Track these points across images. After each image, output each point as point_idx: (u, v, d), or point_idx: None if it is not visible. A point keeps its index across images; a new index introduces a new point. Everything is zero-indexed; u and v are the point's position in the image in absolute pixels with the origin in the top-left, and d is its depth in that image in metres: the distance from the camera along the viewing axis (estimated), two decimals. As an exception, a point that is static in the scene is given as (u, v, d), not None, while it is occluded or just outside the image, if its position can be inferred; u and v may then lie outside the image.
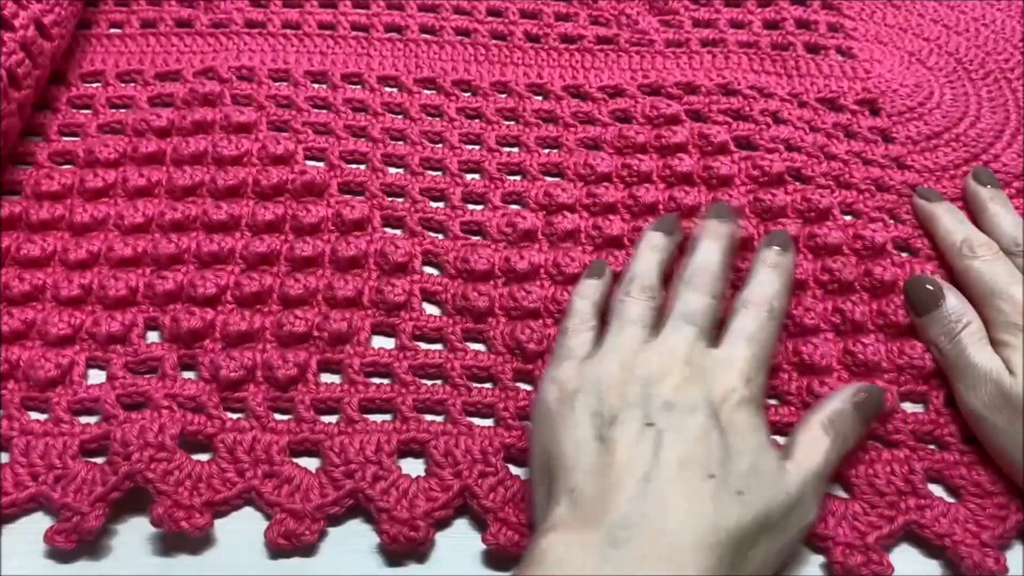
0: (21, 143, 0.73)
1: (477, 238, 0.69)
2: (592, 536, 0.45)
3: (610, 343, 0.56)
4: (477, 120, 0.77)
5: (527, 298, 0.64)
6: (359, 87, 0.79)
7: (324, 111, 0.77)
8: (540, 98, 0.79)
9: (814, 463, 0.52)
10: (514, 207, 0.71)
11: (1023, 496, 0.56)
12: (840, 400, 0.56)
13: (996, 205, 0.67)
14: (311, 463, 0.58)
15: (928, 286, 0.62)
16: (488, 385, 0.62)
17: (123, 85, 0.79)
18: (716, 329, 0.57)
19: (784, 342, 0.63)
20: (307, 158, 0.73)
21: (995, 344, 0.59)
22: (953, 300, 0.61)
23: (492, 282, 0.66)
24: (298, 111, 0.76)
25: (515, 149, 0.75)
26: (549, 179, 0.72)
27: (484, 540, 0.54)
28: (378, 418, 0.60)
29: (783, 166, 0.71)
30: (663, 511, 0.46)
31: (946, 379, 0.61)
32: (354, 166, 0.73)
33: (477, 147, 0.75)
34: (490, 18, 0.86)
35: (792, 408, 0.61)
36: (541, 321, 0.64)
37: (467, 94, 0.79)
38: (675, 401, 0.50)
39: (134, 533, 0.55)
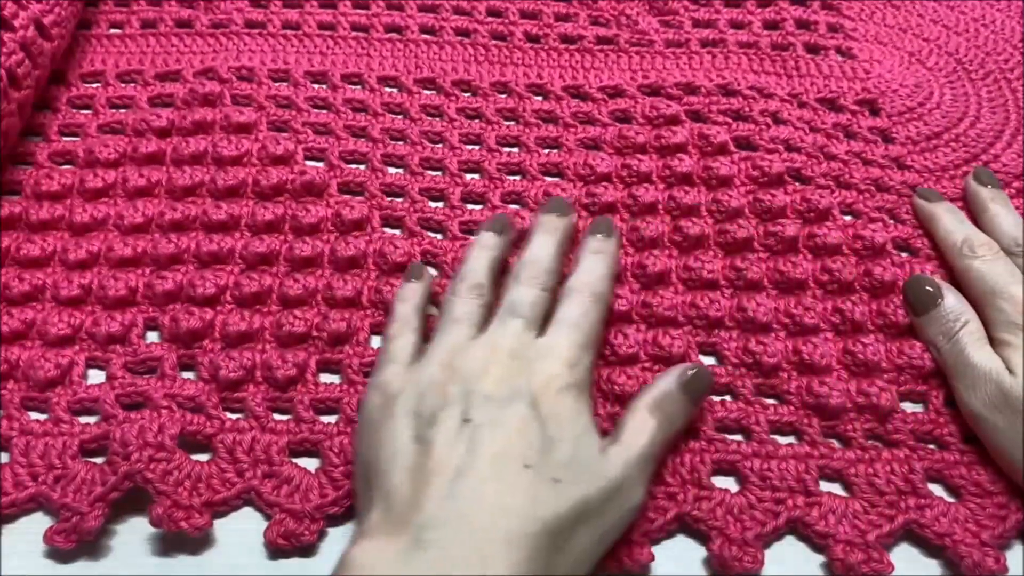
0: (21, 143, 0.73)
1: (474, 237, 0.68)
2: (399, 540, 0.45)
3: (434, 343, 0.56)
4: (477, 120, 0.77)
5: None
6: (359, 87, 0.79)
7: (324, 111, 0.77)
8: (540, 98, 0.79)
9: (639, 446, 0.53)
10: (513, 207, 0.71)
11: (1023, 496, 0.56)
12: (667, 382, 0.56)
13: (996, 205, 0.67)
14: (311, 463, 0.58)
15: (927, 286, 0.62)
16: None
17: (123, 85, 0.79)
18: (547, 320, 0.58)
19: (784, 341, 0.63)
20: (307, 158, 0.73)
21: (995, 343, 0.59)
22: (952, 299, 0.61)
23: None
24: (298, 111, 0.76)
25: (515, 149, 0.75)
26: (549, 179, 0.72)
27: None
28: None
29: (783, 166, 0.70)
30: (474, 508, 0.46)
31: (946, 379, 0.61)
32: (354, 166, 0.73)
33: (477, 147, 0.75)
34: (490, 18, 0.86)
35: (791, 408, 0.61)
36: None
37: (467, 94, 0.79)
38: (495, 395, 0.51)
39: (133, 533, 0.55)
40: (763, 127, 0.74)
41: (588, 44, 0.83)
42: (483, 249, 0.63)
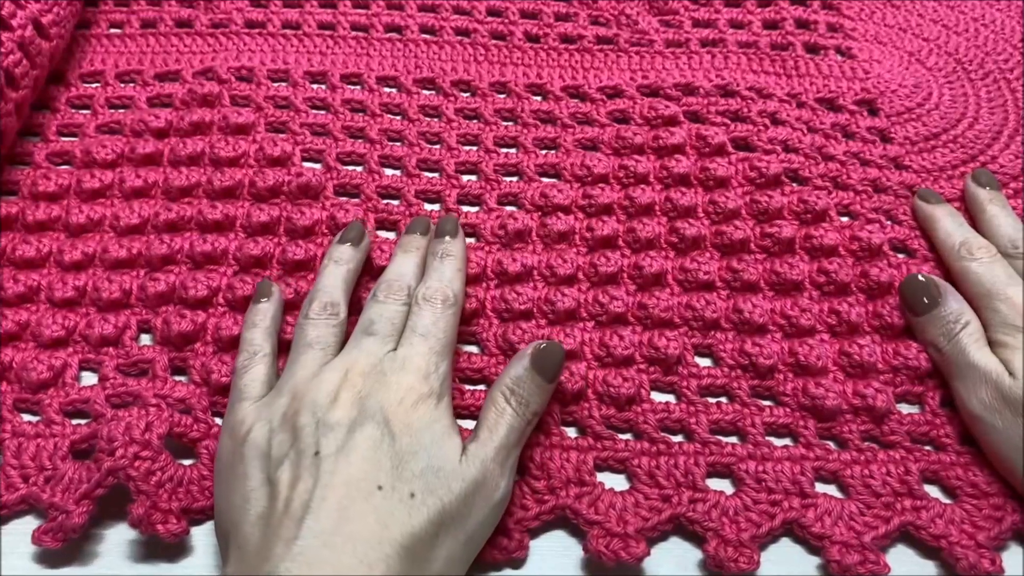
0: (20, 143, 0.73)
1: (470, 240, 0.69)
2: None
3: (286, 373, 0.56)
4: (476, 121, 0.77)
5: (518, 300, 0.64)
6: (358, 87, 0.79)
7: (322, 112, 0.77)
8: (539, 98, 0.79)
9: (498, 437, 0.53)
10: (509, 208, 0.70)
11: (1019, 497, 0.56)
12: (517, 364, 0.56)
13: (995, 207, 0.67)
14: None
15: (927, 285, 0.62)
16: (482, 387, 0.62)
17: (123, 85, 0.79)
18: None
19: (780, 343, 0.63)
20: (305, 160, 0.73)
21: (993, 345, 0.59)
22: (952, 300, 0.61)
23: (484, 284, 0.66)
24: (296, 112, 0.76)
25: (513, 150, 0.75)
26: (546, 180, 0.72)
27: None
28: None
29: (780, 167, 0.70)
30: (324, 543, 0.45)
31: (942, 380, 0.61)
32: (351, 168, 0.73)
33: (475, 148, 0.75)
34: (490, 18, 0.86)
35: (787, 410, 0.60)
36: (533, 322, 0.64)
37: (466, 94, 0.79)
38: (343, 421, 0.50)
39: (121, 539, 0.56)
40: (761, 128, 0.74)
41: (588, 44, 0.83)
42: (336, 264, 0.62)
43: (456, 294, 0.59)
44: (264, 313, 0.61)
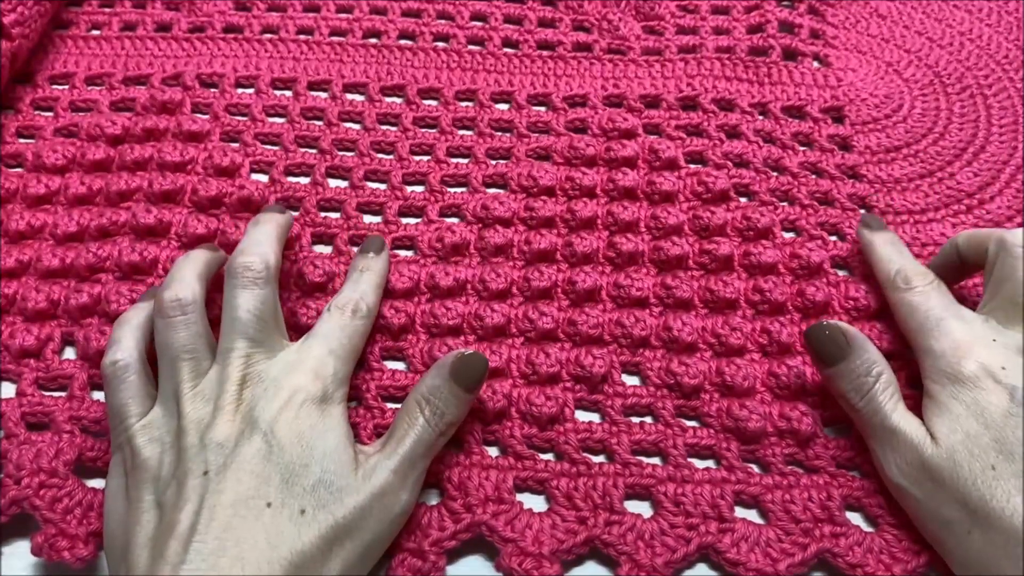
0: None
1: (407, 253, 0.68)
2: None
3: (163, 388, 0.53)
4: (432, 131, 0.76)
5: (447, 315, 0.64)
6: (323, 94, 0.79)
7: (280, 121, 0.77)
8: (505, 107, 0.78)
9: (404, 449, 0.52)
10: (451, 220, 0.70)
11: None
12: (436, 373, 0.54)
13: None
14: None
15: (833, 334, 0.57)
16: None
17: (89, 88, 0.79)
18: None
19: (708, 362, 0.62)
20: (254, 171, 0.73)
21: (924, 394, 0.56)
22: (862, 350, 0.56)
23: (415, 299, 0.65)
24: (253, 122, 0.76)
25: (465, 160, 0.74)
26: (491, 191, 0.72)
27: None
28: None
29: (728, 183, 0.70)
30: (212, 565, 0.44)
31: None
32: (297, 179, 0.73)
33: (426, 159, 0.74)
34: (472, 23, 0.86)
35: (711, 431, 0.60)
36: (462, 338, 0.63)
37: (431, 102, 0.79)
38: (228, 437, 0.49)
39: (20, 559, 0.56)
40: (716, 142, 0.74)
41: (564, 51, 0.83)
42: (189, 260, 0.58)
43: (369, 307, 0.59)
44: (136, 312, 0.57)
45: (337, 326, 0.56)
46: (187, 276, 0.56)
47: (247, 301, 0.54)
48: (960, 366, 0.53)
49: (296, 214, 0.70)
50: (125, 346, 0.55)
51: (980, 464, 0.50)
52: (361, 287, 0.60)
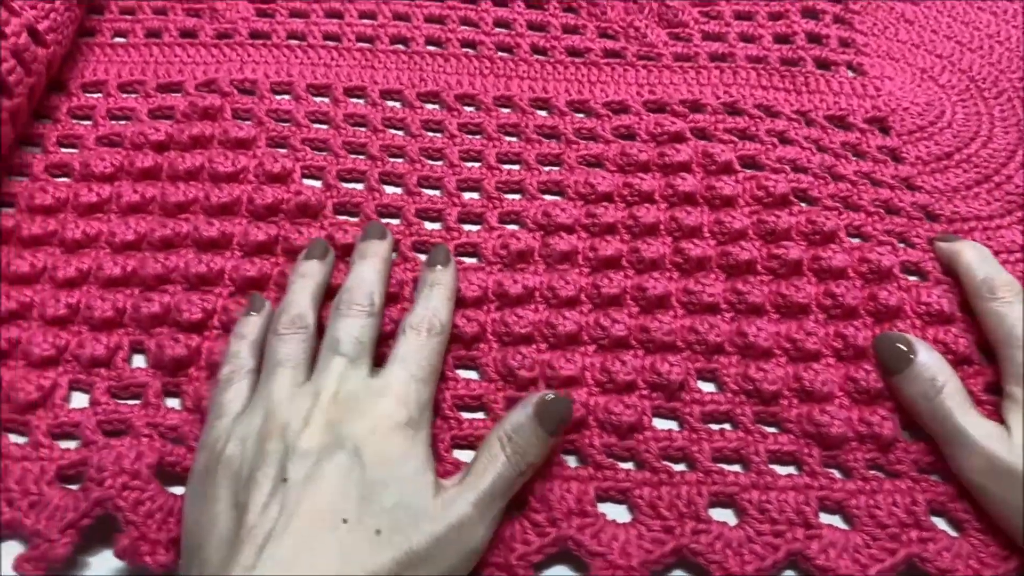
0: (19, 154, 0.72)
1: (471, 261, 0.67)
2: None
3: (259, 392, 0.54)
4: (479, 136, 0.76)
5: (519, 323, 0.63)
6: (361, 101, 0.78)
7: (324, 127, 0.76)
8: (544, 113, 0.78)
9: (485, 483, 0.51)
10: (511, 227, 0.69)
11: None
12: (520, 412, 0.54)
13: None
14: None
15: (897, 343, 0.59)
16: (480, 415, 0.61)
17: (124, 96, 0.78)
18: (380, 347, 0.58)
19: (785, 367, 0.62)
20: (305, 176, 0.72)
21: (1003, 395, 0.57)
22: (925, 357, 0.58)
23: (485, 306, 0.64)
24: (297, 127, 0.75)
25: (516, 167, 0.74)
26: (548, 198, 0.71)
27: None
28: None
29: (788, 187, 0.69)
30: (283, 573, 0.44)
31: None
32: (351, 185, 0.72)
33: (477, 164, 0.73)
34: (497, 30, 0.85)
35: (791, 437, 0.59)
36: (534, 346, 0.63)
37: (470, 108, 0.78)
38: (313, 448, 0.49)
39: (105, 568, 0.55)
40: (769, 147, 0.73)
41: (595, 57, 0.82)
42: (302, 278, 0.61)
43: (443, 323, 0.58)
44: (254, 325, 0.60)
45: (415, 348, 0.56)
46: (304, 300, 0.59)
47: (349, 326, 0.56)
48: None
49: (356, 220, 0.69)
50: (244, 356, 0.58)
51: None
52: (432, 303, 0.59)
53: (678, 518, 0.56)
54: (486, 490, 0.51)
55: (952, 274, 0.65)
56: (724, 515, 0.57)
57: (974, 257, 0.63)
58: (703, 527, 0.55)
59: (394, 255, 0.65)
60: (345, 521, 0.46)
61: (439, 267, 0.62)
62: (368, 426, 0.50)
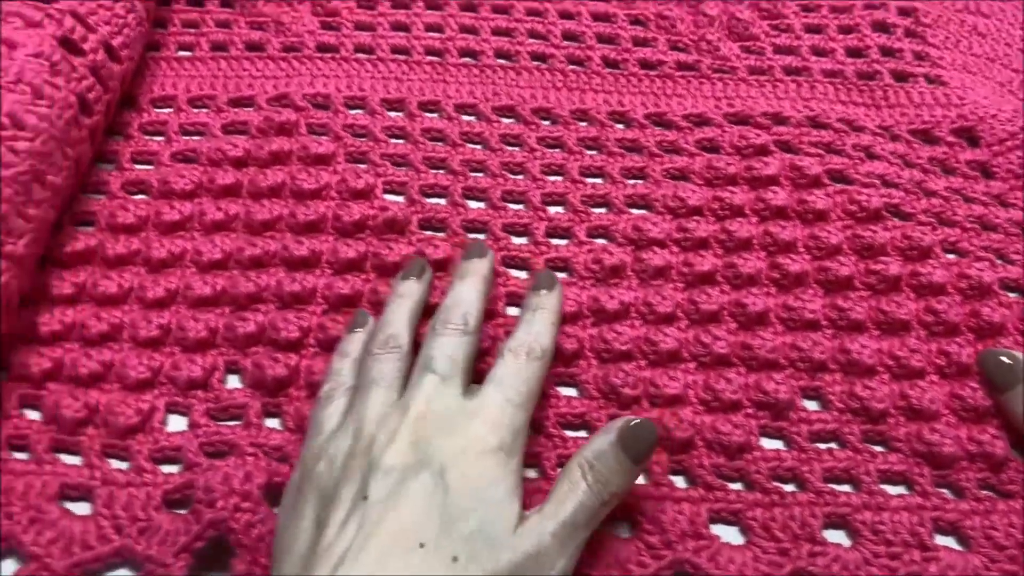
0: (93, 171, 0.71)
1: (562, 275, 0.66)
2: None
3: (351, 412, 0.53)
4: (558, 150, 0.74)
5: (618, 339, 0.62)
6: (436, 115, 0.77)
7: (402, 142, 0.74)
8: (622, 126, 0.76)
9: (565, 512, 0.49)
10: (600, 241, 0.68)
11: None
12: (602, 438, 0.52)
13: None
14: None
15: (1005, 359, 0.59)
16: (583, 433, 0.60)
17: (195, 111, 0.77)
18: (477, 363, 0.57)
19: (889, 385, 0.60)
20: (386, 192, 0.71)
21: None
22: None
23: (580, 322, 0.63)
24: (376, 142, 0.74)
25: (599, 180, 0.72)
26: (636, 212, 0.70)
27: None
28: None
29: (881, 201, 0.68)
30: None
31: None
32: (434, 200, 0.71)
33: (559, 178, 0.72)
34: (567, 43, 0.84)
35: (901, 455, 0.58)
36: (634, 363, 0.61)
37: (547, 122, 0.77)
38: (397, 466, 0.48)
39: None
40: (857, 161, 0.72)
41: (669, 70, 0.81)
42: (400, 298, 0.60)
43: (544, 348, 0.56)
44: (357, 343, 0.59)
45: (512, 371, 0.54)
46: (400, 320, 0.58)
47: (443, 344, 0.54)
48: None
49: (443, 235, 0.68)
50: (345, 374, 0.57)
51: None
52: (535, 327, 0.57)
53: (793, 540, 0.54)
54: (567, 520, 0.49)
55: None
56: (835, 536, 0.56)
57: None
58: (819, 549, 0.54)
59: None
60: (423, 545, 0.45)
61: (544, 291, 0.60)
62: (457, 447, 0.49)
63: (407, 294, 0.60)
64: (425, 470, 0.47)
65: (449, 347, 0.54)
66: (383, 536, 0.45)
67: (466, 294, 0.58)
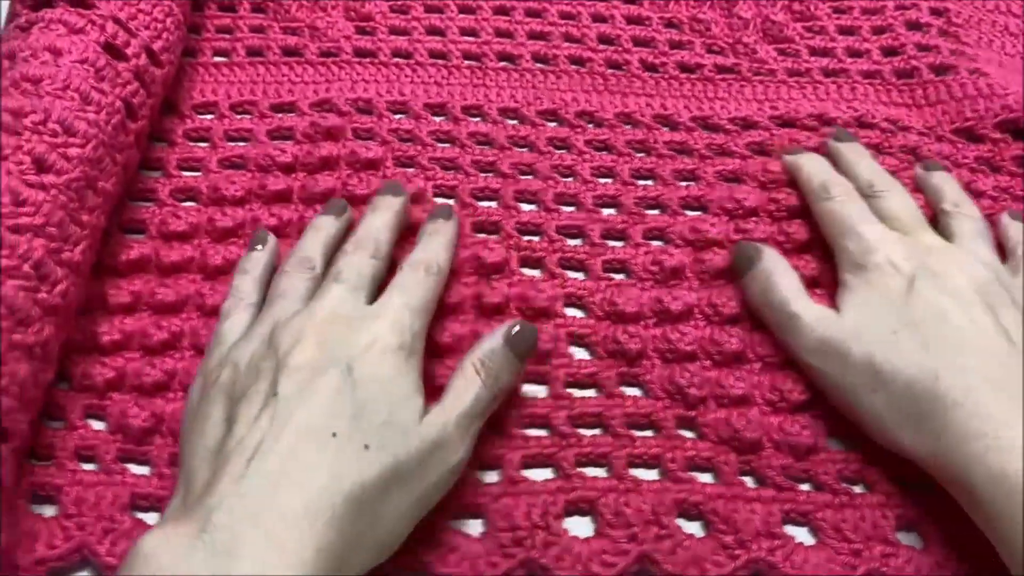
0: (139, 178, 0.70)
1: (619, 276, 0.66)
2: (188, 526, 0.44)
3: (258, 320, 0.56)
4: (607, 152, 0.74)
5: (683, 340, 0.62)
6: (480, 120, 0.77)
7: (448, 146, 0.74)
8: (667, 129, 0.76)
9: (464, 404, 0.52)
10: (656, 243, 0.68)
11: None
12: (492, 339, 0.56)
13: (851, 154, 0.69)
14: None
15: (747, 247, 0.64)
16: (650, 433, 0.60)
17: (238, 117, 0.76)
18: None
19: None
20: (436, 195, 0.71)
21: (839, 285, 0.61)
22: (767, 259, 0.63)
23: (643, 323, 0.63)
24: (423, 146, 0.74)
25: (650, 182, 0.72)
26: (691, 213, 0.70)
27: None
28: (539, 475, 0.58)
29: (931, 204, 0.68)
30: (267, 486, 0.45)
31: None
32: (485, 204, 0.71)
33: (610, 180, 0.72)
34: (603, 46, 0.83)
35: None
36: (698, 364, 0.62)
37: (591, 126, 0.77)
38: (306, 364, 0.50)
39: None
40: (905, 164, 0.72)
41: (709, 73, 0.81)
42: (316, 230, 0.63)
43: (440, 265, 0.60)
44: (256, 262, 0.62)
45: (412, 282, 0.57)
46: (315, 247, 0.61)
47: (352, 262, 0.58)
48: (867, 257, 0.60)
49: (497, 238, 0.68)
50: (245, 290, 0.61)
51: (884, 328, 0.56)
52: (432, 247, 0.61)
53: (864, 540, 0.54)
54: (466, 411, 0.52)
55: (795, 185, 0.69)
56: (907, 539, 0.56)
57: (813, 166, 0.69)
58: (891, 550, 0.54)
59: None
60: (335, 435, 0.47)
61: (440, 220, 0.64)
62: (362, 345, 0.52)
63: (324, 227, 0.63)
64: (333, 367, 0.50)
65: (357, 264, 0.58)
66: (296, 428, 0.47)
67: (376, 222, 0.62)
